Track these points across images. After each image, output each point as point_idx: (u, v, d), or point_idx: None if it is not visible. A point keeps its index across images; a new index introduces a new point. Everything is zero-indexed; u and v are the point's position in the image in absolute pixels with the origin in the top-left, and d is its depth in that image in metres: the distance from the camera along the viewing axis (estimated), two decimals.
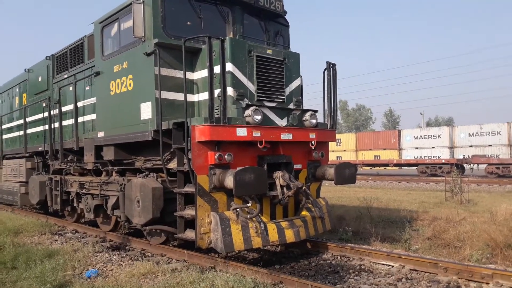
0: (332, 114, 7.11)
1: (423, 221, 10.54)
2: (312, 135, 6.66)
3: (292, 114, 6.55)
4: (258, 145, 5.92)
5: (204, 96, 6.44)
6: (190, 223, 6.06)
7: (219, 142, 5.73)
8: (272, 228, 5.93)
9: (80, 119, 8.71)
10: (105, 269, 6.18)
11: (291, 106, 6.79)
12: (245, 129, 5.78)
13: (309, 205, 6.70)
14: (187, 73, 6.50)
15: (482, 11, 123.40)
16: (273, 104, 6.50)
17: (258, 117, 5.94)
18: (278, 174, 6.19)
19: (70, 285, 5.22)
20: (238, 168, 5.47)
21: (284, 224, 6.11)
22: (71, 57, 9.32)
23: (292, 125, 6.51)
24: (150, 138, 6.31)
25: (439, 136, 37.71)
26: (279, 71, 6.62)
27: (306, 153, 6.92)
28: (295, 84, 6.89)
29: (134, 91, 6.70)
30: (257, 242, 5.73)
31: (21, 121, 11.61)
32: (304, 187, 6.33)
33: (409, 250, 7.57)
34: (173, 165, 6.41)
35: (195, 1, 6.62)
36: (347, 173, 6.67)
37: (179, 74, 6.41)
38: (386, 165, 35.75)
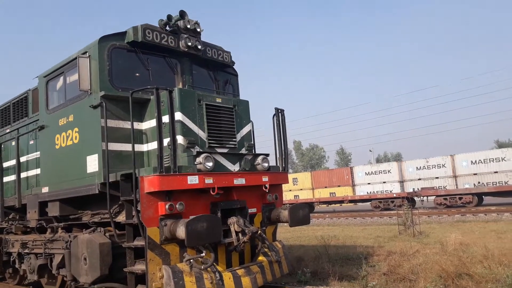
0: (284, 156, 7.27)
1: (379, 256, 10.74)
2: (265, 179, 6.73)
3: (244, 159, 6.63)
4: (211, 192, 5.88)
5: (153, 145, 6.38)
6: (141, 278, 5.80)
7: (169, 191, 5.64)
8: (228, 277, 5.80)
9: (23, 175, 8.30)
10: None
11: (243, 151, 6.88)
12: (197, 176, 5.75)
13: (266, 250, 6.65)
14: (136, 123, 6.48)
15: (419, 55, 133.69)
16: (225, 150, 6.56)
17: (210, 164, 5.94)
18: (232, 220, 6.15)
19: None
20: (191, 217, 5.38)
21: (240, 272, 6.00)
22: (14, 111, 9.01)
23: (245, 169, 6.56)
24: (97, 192, 6.11)
25: (389, 171, 39.15)
26: (230, 118, 6.75)
27: (260, 197, 6.95)
28: (246, 129, 7.02)
29: (80, 144, 6.53)
30: None
31: None
32: (259, 232, 6.30)
33: (367, 287, 7.63)
34: (121, 218, 6.20)
35: (143, 54, 6.70)
36: (301, 214, 6.74)
37: (127, 125, 6.35)
38: (342, 201, 36.44)
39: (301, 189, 41.85)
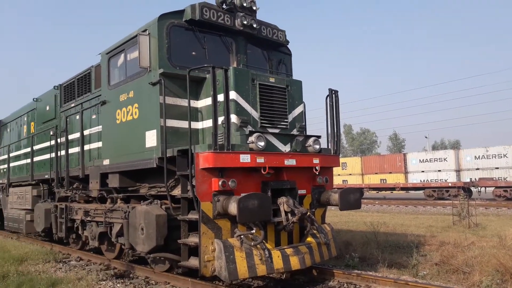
0: (336, 139, 7.17)
1: (430, 246, 10.40)
2: (316, 161, 6.69)
3: (296, 140, 6.61)
4: (262, 171, 5.95)
5: (208, 123, 6.53)
6: (194, 251, 6.03)
7: (222, 168, 5.78)
8: (276, 255, 5.89)
9: (86, 147, 8.82)
10: None
11: (295, 132, 6.86)
12: (249, 155, 5.83)
13: (314, 231, 6.66)
14: (191, 101, 6.64)
15: (489, 33, 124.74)
16: (277, 131, 6.58)
17: (262, 144, 5.99)
18: (282, 200, 6.20)
19: None
20: (242, 195, 5.50)
21: (289, 251, 6.07)
22: (78, 87, 9.53)
23: (296, 150, 6.55)
24: (155, 166, 6.38)
25: (445, 159, 37.50)
26: (282, 98, 6.73)
27: (310, 179, 6.93)
28: (297, 110, 6.99)
29: (139, 120, 6.82)
30: (261, 269, 5.68)
31: (29, 149, 11.77)
32: (309, 213, 6.31)
33: (417, 276, 7.45)
34: (177, 192, 6.45)
35: (200, 33, 6.81)
36: (351, 199, 6.66)
37: (183, 102, 6.53)
38: (393, 188, 35.49)
39: (350, 174, 41.18)
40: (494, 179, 30.90)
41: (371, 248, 9.84)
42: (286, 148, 6.56)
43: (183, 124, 6.53)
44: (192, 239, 5.95)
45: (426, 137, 62.07)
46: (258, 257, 5.69)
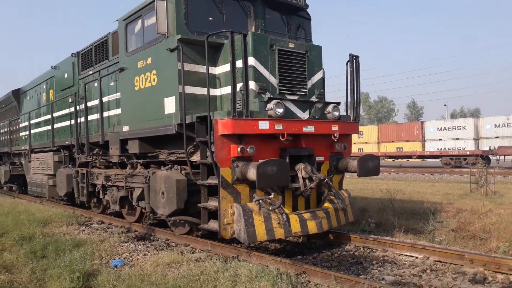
0: (355, 106, 7.09)
1: (447, 213, 10.42)
2: (335, 128, 6.66)
3: (314, 107, 6.57)
4: (280, 138, 5.97)
5: (226, 90, 6.52)
6: (213, 214, 6.18)
7: (241, 135, 5.81)
8: (294, 219, 5.99)
9: (105, 114, 8.93)
10: (130, 258, 6.37)
11: (314, 99, 6.81)
12: (267, 122, 5.84)
13: (332, 197, 6.72)
14: (209, 67, 6.60)
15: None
16: (295, 97, 6.53)
17: (280, 110, 5.98)
18: (300, 166, 6.24)
19: (98, 273, 5.41)
20: (261, 161, 5.55)
21: (306, 215, 6.17)
22: (95, 54, 9.54)
23: (315, 117, 6.53)
24: (174, 132, 6.45)
25: (463, 127, 36.81)
26: (301, 64, 6.64)
27: (328, 146, 6.93)
28: (317, 77, 6.90)
29: (158, 86, 6.84)
30: (279, 233, 5.81)
31: (48, 116, 11.98)
32: (326, 179, 6.35)
33: (433, 241, 7.53)
34: (196, 158, 6.54)
35: None
36: (370, 165, 6.66)
37: (202, 69, 6.51)
38: (409, 157, 35.27)
39: (366, 143, 40.91)
40: None
41: (387, 215, 9.90)
42: (304, 115, 6.53)
43: (202, 91, 6.53)
44: (212, 203, 6.08)
45: (445, 105, 60.96)
46: (276, 221, 5.81)
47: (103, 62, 9.18)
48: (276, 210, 5.85)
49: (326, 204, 6.65)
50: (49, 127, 12.01)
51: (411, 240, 7.43)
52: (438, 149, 36.12)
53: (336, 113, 6.75)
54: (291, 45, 6.53)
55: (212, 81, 6.60)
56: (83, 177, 9.79)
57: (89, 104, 9.54)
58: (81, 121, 9.76)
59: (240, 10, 6.93)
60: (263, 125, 5.80)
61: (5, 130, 17.00)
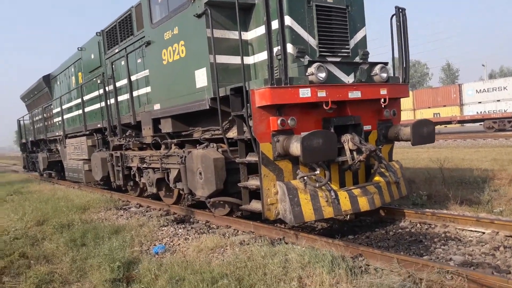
0: (404, 66, 6.34)
1: (500, 180, 9.64)
2: (383, 91, 5.97)
3: (360, 69, 5.89)
4: (324, 106, 5.36)
5: (260, 57, 5.94)
6: (255, 194, 5.73)
7: (280, 105, 5.25)
8: (343, 196, 5.45)
9: (135, 93, 8.56)
10: (172, 244, 6.06)
11: (357, 60, 6.12)
12: (309, 89, 5.23)
13: (382, 170, 6.11)
14: (241, 33, 6.02)
15: None
16: (337, 59, 5.86)
17: (322, 75, 5.35)
18: (346, 137, 5.64)
19: (139, 262, 5.11)
20: (303, 133, 5.00)
21: (356, 191, 5.60)
22: (120, 31, 9.12)
23: (361, 81, 5.86)
24: (208, 107, 5.96)
25: (504, 88, 34.61)
26: (342, 21, 5.93)
27: (376, 112, 6.27)
28: (360, 35, 6.19)
29: (187, 58, 6.33)
30: (328, 212, 5.29)
31: (79, 100, 11.80)
32: (377, 150, 5.74)
33: (492, 212, 6.85)
34: (232, 134, 6.06)
35: None
36: (425, 132, 5.96)
37: (232, 35, 5.94)
38: (448, 122, 33.62)
39: (401, 110, 39.28)
40: None
41: (436, 185, 9.24)
42: (349, 79, 5.87)
43: (234, 59, 5.98)
44: (253, 182, 5.62)
45: (483, 65, 57.48)
46: (324, 199, 5.28)
47: (128, 39, 8.75)
48: (323, 187, 5.31)
49: (377, 178, 6.04)
50: (80, 111, 11.86)
51: (469, 212, 6.78)
52: (477, 112, 34.22)
53: (384, 75, 6.04)
54: None
55: (244, 48, 6.04)
56: (117, 160, 9.56)
57: (118, 84, 9.19)
58: (111, 102, 9.46)
59: None
60: (305, 93, 5.20)
61: (40, 117, 17.14)
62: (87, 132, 11.49)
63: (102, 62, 10.18)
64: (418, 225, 6.04)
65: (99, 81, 10.13)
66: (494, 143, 21.27)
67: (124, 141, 9.38)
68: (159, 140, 7.80)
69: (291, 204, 5.09)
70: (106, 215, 8.68)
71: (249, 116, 5.23)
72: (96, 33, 10.24)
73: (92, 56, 10.71)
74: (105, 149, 10.83)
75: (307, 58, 5.52)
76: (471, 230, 5.51)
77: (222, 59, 5.83)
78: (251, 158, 5.56)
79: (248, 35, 6.06)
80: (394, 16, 6.31)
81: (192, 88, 6.27)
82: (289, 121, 5.22)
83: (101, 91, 9.86)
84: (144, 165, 8.47)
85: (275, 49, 5.25)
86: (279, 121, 5.15)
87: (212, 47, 5.62)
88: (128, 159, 9.20)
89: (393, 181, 6.09)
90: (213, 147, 6.27)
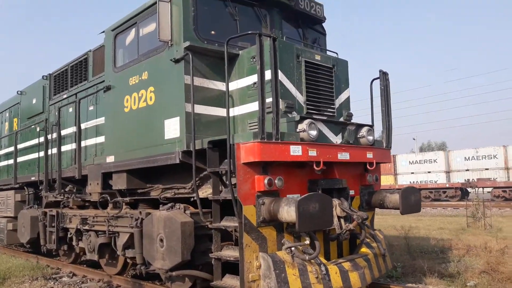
0: (387, 130, 6.08)
1: (458, 250, 9.60)
2: (370, 155, 5.59)
3: (348, 129, 5.51)
4: (315, 166, 4.81)
5: (241, 110, 5.38)
6: (228, 267, 4.86)
7: (265, 163, 4.62)
8: (334, 271, 4.74)
9: (82, 144, 7.53)
10: None
11: (342, 119, 5.77)
12: (300, 146, 4.68)
13: (368, 240, 5.56)
14: (219, 83, 5.51)
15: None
16: (324, 118, 5.45)
17: (314, 133, 4.86)
18: (334, 202, 5.07)
19: None
20: (291, 196, 4.41)
21: (346, 265, 4.93)
22: (72, 75, 8.25)
23: (348, 142, 5.45)
24: (178, 161, 5.16)
25: (435, 160, 37.25)
26: (329, 79, 5.62)
27: (358, 177, 5.84)
28: (344, 95, 5.89)
29: (156, 106, 5.59)
30: None
31: (10, 149, 10.34)
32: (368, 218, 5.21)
33: (466, 286, 6.53)
34: (202, 193, 5.26)
35: (231, 1, 5.64)
36: (412, 200, 5.57)
37: (211, 84, 5.38)
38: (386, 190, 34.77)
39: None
40: (491, 179, 30.55)
41: (401, 255, 8.92)
42: (337, 139, 5.43)
43: (211, 110, 5.36)
44: (229, 253, 4.75)
45: (414, 139, 62.00)
46: (313, 275, 4.54)
47: (81, 84, 7.89)
48: (312, 260, 4.60)
49: (364, 249, 5.45)
50: (9, 162, 10.37)
51: (443, 286, 6.41)
52: (410, 182, 36.08)
53: (371, 138, 5.70)
54: (317, 57, 5.52)
55: (222, 100, 5.46)
56: (52, 219, 8.16)
57: (63, 132, 8.09)
58: (53, 152, 8.26)
59: (255, 18, 5.89)
60: (296, 151, 4.64)
61: None
62: (17, 186, 9.93)
63: (46, 108, 9.09)
64: None
65: (39, 128, 8.94)
66: (434, 212, 22.03)
67: (62, 197, 8.10)
68: (108, 198, 6.71)
69: (278, 282, 4.28)
70: (32, 286, 7.14)
71: (232, 172, 4.52)
72: (43, 76, 9.24)
73: (34, 101, 9.56)
74: (37, 206, 9.34)
75: (294, 114, 5.05)
76: None
77: (198, 109, 5.17)
78: (229, 223, 4.75)
79: (229, 87, 5.50)
80: (374, 81, 6.17)
81: (159, 140, 5.47)
82: (276, 181, 4.58)
83: (42, 139, 8.64)
84: (86, 227, 7.22)
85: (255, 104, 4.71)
86: (266, 181, 4.49)
87: (191, 95, 4.97)
88: (66, 219, 7.87)
89: (380, 253, 5.53)
90: (179, 208, 5.36)
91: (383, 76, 6.02)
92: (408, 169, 38.49)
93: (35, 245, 9.46)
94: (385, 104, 6.00)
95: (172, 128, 5.25)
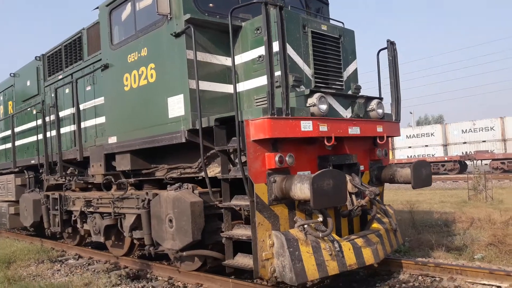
0: (396, 102, 5.91)
1: (462, 224, 9.57)
2: (380, 129, 5.44)
3: (357, 102, 5.33)
4: (326, 142, 4.66)
5: (246, 85, 5.18)
6: (239, 246, 4.78)
7: (275, 140, 4.47)
8: (347, 247, 4.66)
9: (81, 125, 7.32)
10: None
11: (349, 93, 5.59)
12: (311, 122, 4.52)
13: (379, 215, 5.47)
14: (223, 58, 5.28)
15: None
16: (332, 91, 5.26)
17: (324, 107, 4.69)
18: (346, 178, 4.94)
19: None
20: (301, 173, 4.26)
21: (359, 241, 4.84)
22: (66, 55, 7.97)
23: (358, 116, 5.29)
24: (184, 140, 4.99)
25: (432, 134, 37.18)
26: (336, 51, 5.40)
27: (368, 151, 5.70)
28: (352, 67, 5.69)
29: (157, 83, 5.38)
30: (332, 267, 4.45)
31: (8, 133, 10.12)
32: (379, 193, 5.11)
33: (474, 259, 6.50)
34: (210, 173, 5.12)
35: None
36: (424, 174, 5.46)
37: (214, 59, 5.16)
38: None
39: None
40: (489, 151, 30.57)
41: (406, 229, 8.89)
42: (347, 113, 5.27)
43: (215, 87, 5.16)
44: (241, 232, 4.65)
45: (410, 113, 61.77)
46: (327, 252, 4.46)
47: (76, 64, 7.63)
48: (325, 237, 4.51)
49: (375, 225, 5.37)
50: (7, 145, 10.16)
51: (451, 259, 6.37)
52: (408, 156, 36.09)
53: (381, 111, 5.53)
54: (324, 27, 5.28)
55: (226, 75, 5.26)
56: (55, 203, 8.03)
57: (61, 114, 7.88)
58: (52, 134, 8.06)
59: None
60: (306, 126, 4.47)
61: None
62: (16, 169, 9.76)
63: (41, 89, 8.83)
64: (420, 277, 5.38)
65: (35, 111, 8.71)
66: (433, 186, 22.03)
67: (64, 180, 7.95)
68: (112, 179, 6.56)
69: (292, 259, 4.20)
70: (39, 269, 7.07)
71: (242, 150, 4.37)
72: (36, 57, 8.95)
73: (28, 83, 9.29)
74: (38, 189, 9.20)
75: (302, 88, 4.86)
76: (484, 284, 4.95)
77: (202, 85, 4.96)
78: (240, 202, 4.63)
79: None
80: (381, 51, 5.96)
81: (163, 118, 5.29)
82: (287, 158, 4.43)
83: (39, 121, 8.42)
84: (90, 209, 7.11)
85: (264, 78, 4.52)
86: (277, 158, 4.34)
87: (195, 70, 4.75)
88: (69, 202, 7.75)
89: (391, 228, 5.45)
90: (187, 188, 5.23)
91: (391, 46, 5.81)
92: (405, 143, 38.40)
93: (38, 228, 9.39)
94: (393, 75, 5.81)
95: (176, 106, 5.06)
